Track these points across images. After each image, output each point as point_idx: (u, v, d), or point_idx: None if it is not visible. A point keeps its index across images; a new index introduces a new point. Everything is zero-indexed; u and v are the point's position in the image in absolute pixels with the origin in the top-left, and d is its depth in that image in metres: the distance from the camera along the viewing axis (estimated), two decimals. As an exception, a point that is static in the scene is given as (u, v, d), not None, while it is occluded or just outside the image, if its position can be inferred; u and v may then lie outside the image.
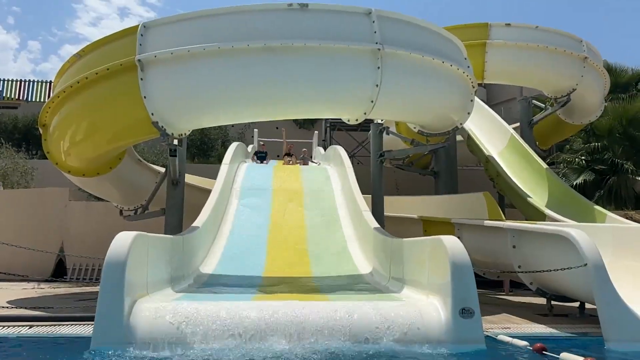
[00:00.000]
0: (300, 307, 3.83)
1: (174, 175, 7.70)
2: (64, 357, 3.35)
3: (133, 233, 3.90)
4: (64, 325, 4.53)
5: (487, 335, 4.04)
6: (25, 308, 5.83)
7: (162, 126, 6.09)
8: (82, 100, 6.48)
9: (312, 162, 12.12)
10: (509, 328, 4.68)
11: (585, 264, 4.30)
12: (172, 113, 6.06)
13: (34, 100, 19.03)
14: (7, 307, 5.89)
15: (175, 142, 7.24)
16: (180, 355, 3.39)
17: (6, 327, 4.42)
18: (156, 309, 3.80)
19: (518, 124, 12.02)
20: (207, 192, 8.30)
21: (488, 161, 10.53)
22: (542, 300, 6.04)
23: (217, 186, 7.98)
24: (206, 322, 3.66)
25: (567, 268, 4.54)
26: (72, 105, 6.62)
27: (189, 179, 8.84)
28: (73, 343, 3.92)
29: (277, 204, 8.32)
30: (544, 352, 3.49)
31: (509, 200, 10.30)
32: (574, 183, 13.62)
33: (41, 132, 7.35)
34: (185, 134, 6.76)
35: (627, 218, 11.76)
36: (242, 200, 8.37)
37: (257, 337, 3.59)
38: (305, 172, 10.18)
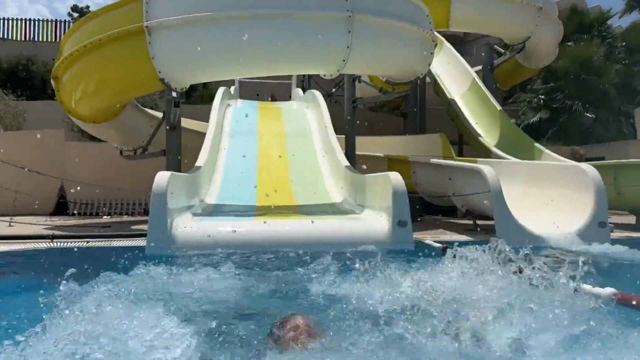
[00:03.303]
0: (294, 224, 5.81)
1: (174, 121, 9.39)
2: (128, 259, 5.20)
3: (168, 173, 5.75)
4: (114, 240, 6.46)
5: (418, 240, 6.14)
6: (62, 232, 7.71)
7: (168, 82, 7.72)
8: (93, 59, 8.02)
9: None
10: (438, 237, 6.82)
11: (489, 190, 6.38)
12: (176, 71, 7.68)
13: (10, 38, 19.54)
14: (51, 230, 7.76)
15: (174, 94, 8.88)
16: (205, 254, 5.32)
17: (67, 242, 6.31)
18: (186, 225, 5.74)
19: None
20: (199, 133, 10.02)
21: (449, 104, 12.42)
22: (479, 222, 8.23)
23: (210, 129, 9.69)
24: (220, 232, 5.61)
25: (476, 193, 6.63)
26: (84, 63, 8.15)
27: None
28: (128, 250, 5.85)
29: (263, 142, 10.15)
30: (446, 249, 5.56)
31: (467, 139, 12.34)
32: (532, 120, 15.74)
33: (53, 84, 8.89)
34: (186, 87, 8.38)
35: (572, 153, 14.08)
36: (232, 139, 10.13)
37: (256, 244, 5.55)
38: (286, 113, 11.95)
